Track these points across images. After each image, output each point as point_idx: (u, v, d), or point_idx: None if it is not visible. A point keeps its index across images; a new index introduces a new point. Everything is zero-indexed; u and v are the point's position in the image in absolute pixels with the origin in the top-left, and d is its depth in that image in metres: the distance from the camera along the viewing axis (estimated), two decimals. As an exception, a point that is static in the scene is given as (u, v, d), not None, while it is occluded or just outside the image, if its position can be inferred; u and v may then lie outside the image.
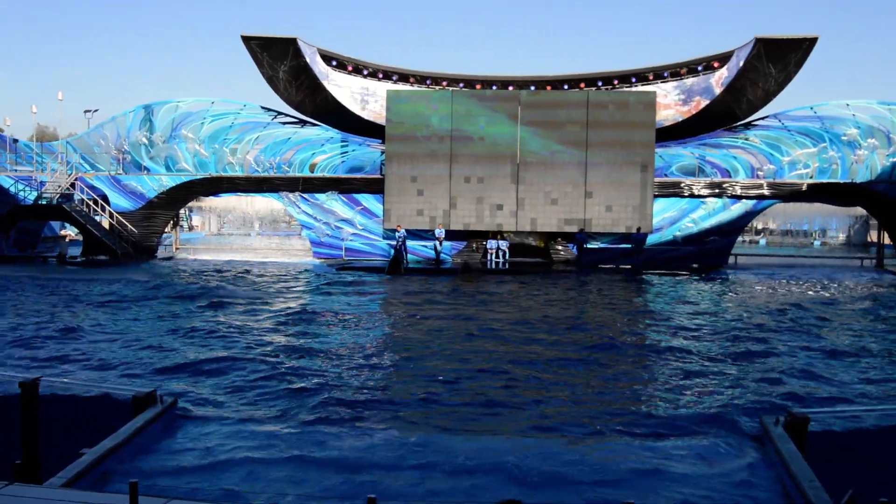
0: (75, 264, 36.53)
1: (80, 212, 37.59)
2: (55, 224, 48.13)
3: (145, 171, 40.04)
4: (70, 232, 48.30)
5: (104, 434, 9.43)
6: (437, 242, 37.67)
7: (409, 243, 37.91)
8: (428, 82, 40.61)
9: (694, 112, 38.60)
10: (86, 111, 56.69)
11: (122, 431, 9.57)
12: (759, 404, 12.40)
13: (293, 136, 40.22)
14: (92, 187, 38.98)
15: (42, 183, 38.67)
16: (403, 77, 40.55)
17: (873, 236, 47.30)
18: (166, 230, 42.87)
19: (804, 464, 8.70)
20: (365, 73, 40.03)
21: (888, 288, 31.04)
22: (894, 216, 38.16)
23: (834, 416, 10.77)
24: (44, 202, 37.85)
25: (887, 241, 41.20)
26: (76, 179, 38.90)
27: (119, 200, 39.37)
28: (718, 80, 37.76)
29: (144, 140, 40.21)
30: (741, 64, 36.12)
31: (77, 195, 38.47)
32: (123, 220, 38.88)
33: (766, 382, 14.01)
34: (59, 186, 38.25)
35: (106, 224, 38.85)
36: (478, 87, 40.21)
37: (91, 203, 38.31)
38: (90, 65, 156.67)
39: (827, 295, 28.37)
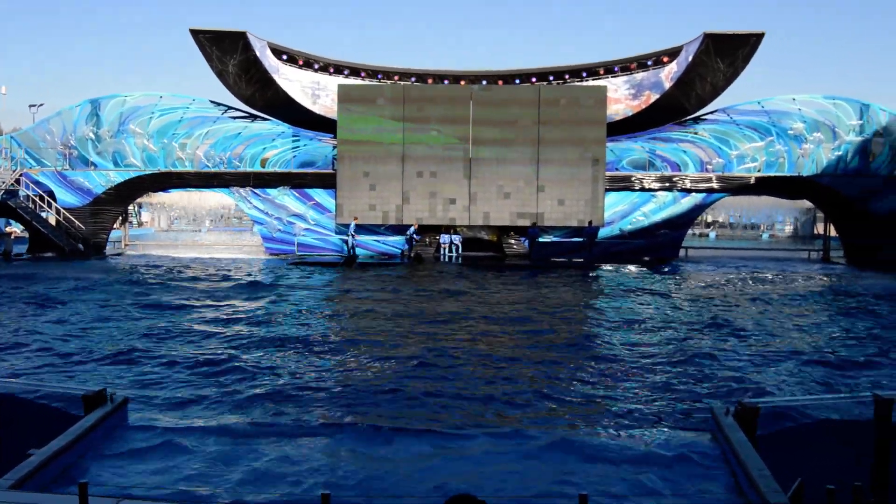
0: (21, 261, 35.86)
1: (25, 208, 36.92)
2: (-1, 221, 47.27)
3: (92, 167, 39.42)
4: (15, 229, 47.41)
5: (53, 434, 9.27)
6: (412, 238, 37.69)
7: (361, 238, 37.95)
8: (379, 77, 40.54)
9: (644, 106, 39.02)
10: (31, 105, 55.88)
11: (72, 431, 9.40)
12: (709, 394, 12.56)
13: (244, 131, 39.87)
14: (38, 183, 38.31)
15: (-14, 179, 37.92)
16: (355, 71, 40.42)
17: (820, 229, 48.20)
18: (115, 226, 42.30)
19: (754, 453, 8.81)
20: (316, 67, 39.83)
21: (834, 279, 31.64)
22: (839, 209, 38.93)
23: (783, 406, 10.93)
24: (-12, 198, 37.13)
25: (833, 233, 42.01)
26: (21, 175, 38.19)
27: (66, 196, 38.73)
28: (668, 74, 38.18)
29: (91, 135, 39.57)
30: (690, 59, 36.57)
31: (22, 191, 37.77)
32: (70, 217, 38.27)
33: (716, 373, 14.19)
34: (4, 182, 37.50)
35: (52, 220, 38.22)
36: (430, 81, 40.23)
37: (37, 199, 37.65)
38: (35, 58, 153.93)
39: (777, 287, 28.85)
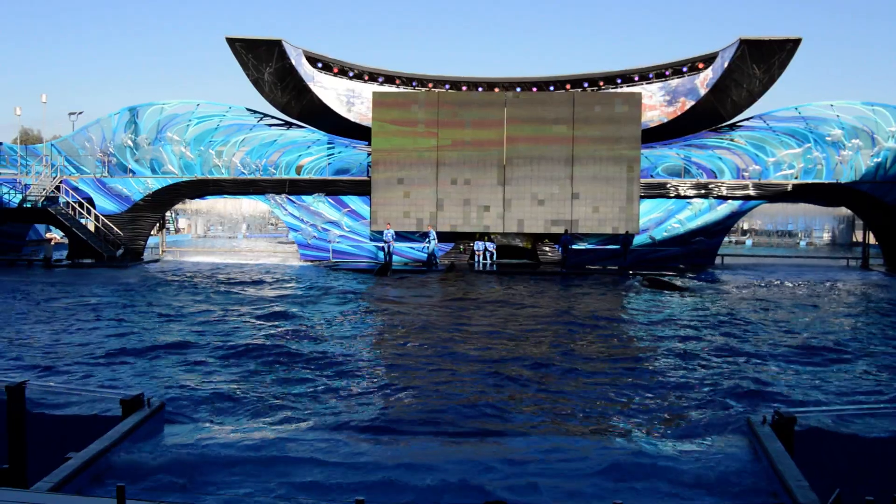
0: (60, 267, 36.32)
1: (65, 214, 37.40)
2: (40, 227, 47.90)
3: (131, 174, 39.88)
4: (55, 235, 48.06)
5: (91, 438, 9.38)
6: (430, 244, 37.76)
7: (397, 245, 38.01)
8: (414, 84, 40.63)
9: (679, 113, 38.75)
10: (70, 113, 56.46)
11: (110, 435, 9.51)
12: (746, 403, 12.45)
13: (279, 139, 40.14)
14: (77, 190, 38.83)
15: (26, 186, 38.48)
16: (389, 79, 40.54)
17: (858, 236, 47.58)
18: (152, 233, 42.72)
19: (791, 463, 8.72)
20: (350, 74, 40.02)
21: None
22: (879, 216, 38.40)
23: (821, 415, 10.81)
24: (28, 205, 37.65)
25: (872, 240, 41.46)
26: (61, 182, 38.72)
27: (104, 203, 39.21)
28: (703, 81, 37.91)
29: (130, 142, 40.04)
30: (726, 65, 36.28)
31: (62, 198, 38.28)
32: (109, 223, 38.73)
33: (753, 381, 14.06)
34: (44, 189, 38.07)
35: (91, 227, 38.68)
36: (464, 88, 40.27)
37: (76, 206, 38.13)
38: (74, 67, 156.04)
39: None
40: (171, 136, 40.01)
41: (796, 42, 35.44)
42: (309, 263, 38.86)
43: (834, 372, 15.07)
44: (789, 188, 38.11)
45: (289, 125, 40.36)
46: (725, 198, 38.35)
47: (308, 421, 11.51)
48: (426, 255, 38.11)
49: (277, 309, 23.18)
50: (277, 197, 39.70)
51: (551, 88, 40.13)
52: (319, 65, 39.23)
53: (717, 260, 40.76)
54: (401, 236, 38.37)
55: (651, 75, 39.45)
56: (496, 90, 39.85)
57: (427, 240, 37.87)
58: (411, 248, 39.09)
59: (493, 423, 11.55)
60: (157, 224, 43.24)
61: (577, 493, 8.85)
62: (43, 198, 37.75)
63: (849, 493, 7.28)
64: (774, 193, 38.32)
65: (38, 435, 10.01)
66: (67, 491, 7.99)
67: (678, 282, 31.94)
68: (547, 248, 39.24)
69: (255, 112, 40.38)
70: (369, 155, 39.18)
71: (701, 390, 13.48)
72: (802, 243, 59.36)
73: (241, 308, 23.30)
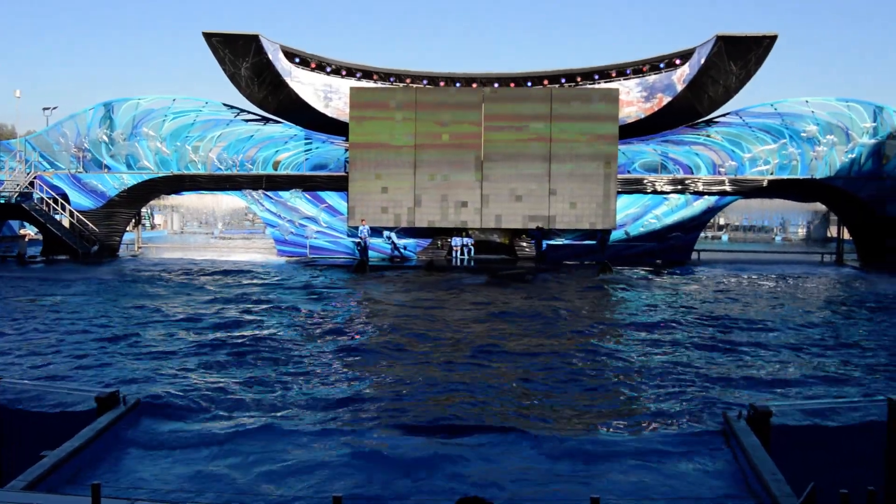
0: (35, 263, 36.02)
1: (39, 211, 37.09)
2: (14, 223, 47.47)
3: (106, 170, 39.58)
4: (30, 231, 47.66)
5: (66, 436, 9.30)
6: (392, 237, 38.30)
7: (372, 241, 38.00)
8: (392, 79, 40.57)
9: (656, 109, 38.92)
10: (44, 108, 55.84)
11: (85, 433, 9.43)
12: (722, 397, 12.51)
13: (256, 134, 39.97)
14: (52, 186, 38.49)
15: (0, 182, 38.10)
16: (367, 74, 40.46)
17: (833, 231, 48.01)
18: (128, 229, 42.45)
19: (767, 457, 8.77)
20: (328, 70, 39.88)
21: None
22: (853, 212, 38.73)
23: (797, 410, 10.88)
24: (2, 201, 37.29)
25: (847, 236, 41.83)
26: (35, 178, 38.37)
27: (79, 199, 38.88)
28: (680, 77, 38.07)
29: (105, 138, 39.73)
30: (703, 61, 36.46)
31: (36, 194, 37.95)
32: (84, 219, 38.42)
33: (729, 376, 14.12)
34: (18, 185, 37.69)
35: (66, 223, 38.38)
36: (441, 84, 40.23)
37: (51, 202, 37.81)
38: (49, 62, 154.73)
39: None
40: (147, 132, 39.75)
41: (773, 38, 35.68)
42: (286, 259, 38.73)
43: (808, 365, 15.16)
44: (765, 184, 38.37)
45: (266, 120, 40.20)
46: (702, 193, 38.56)
47: (285, 416, 11.46)
48: (390, 250, 38.59)
49: (250, 305, 23.07)
50: (254, 193, 39.53)
51: (529, 84, 40.18)
52: (297, 60, 39.08)
53: (694, 255, 40.99)
54: (376, 232, 38.31)
55: (628, 71, 39.60)
56: (474, 86, 39.85)
57: (385, 236, 38.16)
58: (385, 243, 39.07)
59: (465, 420, 11.54)
60: (133, 220, 42.99)
61: (550, 488, 8.86)
62: (17, 194, 37.39)
63: (824, 486, 7.33)
64: (750, 189, 38.58)
65: (11, 433, 9.92)
66: (42, 489, 7.92)
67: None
68: (524, 244, 39.32)
69: (231, 107, 40.19)
70: (347, 150, 39.08)
71: (675, 385, 13.52)
72: (778, 238, 59.86)
73: (215, 304, 23.15)
